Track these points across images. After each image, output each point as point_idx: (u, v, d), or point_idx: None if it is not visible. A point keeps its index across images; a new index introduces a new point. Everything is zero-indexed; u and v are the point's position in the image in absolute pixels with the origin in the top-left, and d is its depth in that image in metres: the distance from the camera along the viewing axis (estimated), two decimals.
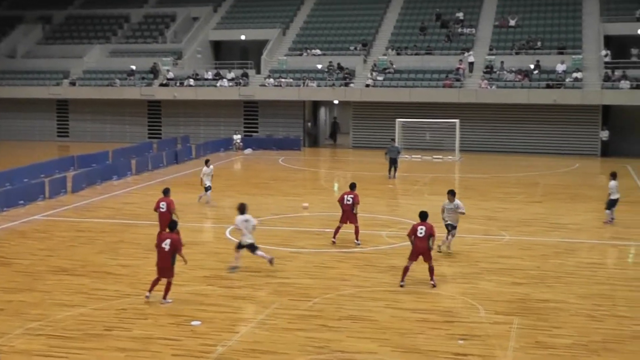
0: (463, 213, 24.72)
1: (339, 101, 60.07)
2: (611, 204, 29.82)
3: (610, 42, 57.42)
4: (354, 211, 25.92)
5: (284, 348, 16.35)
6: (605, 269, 23.66)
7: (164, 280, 19.28)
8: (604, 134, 53.23)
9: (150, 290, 19.49)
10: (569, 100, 52.38)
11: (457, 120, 50.79)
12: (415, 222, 21.47)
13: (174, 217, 23.08)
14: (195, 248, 25.39)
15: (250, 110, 60.86)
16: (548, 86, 53.22)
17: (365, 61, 59.96)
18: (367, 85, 56.34)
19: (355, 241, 26.01)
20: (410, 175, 42.84)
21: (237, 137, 57.27)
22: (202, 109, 60.99)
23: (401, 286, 20.86)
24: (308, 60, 60.74)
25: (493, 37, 60.26)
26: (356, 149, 56.48)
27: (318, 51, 61.50)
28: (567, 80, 53.49)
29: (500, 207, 33.41)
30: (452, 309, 19.18)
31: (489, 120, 55.00)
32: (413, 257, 21.05)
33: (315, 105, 61.48)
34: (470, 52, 57.59)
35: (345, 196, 26.04)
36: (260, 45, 63.77)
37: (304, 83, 57.46)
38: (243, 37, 65.68)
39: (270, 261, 22.37)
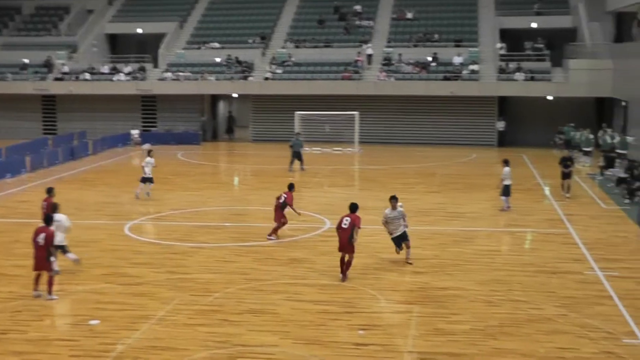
0: (406, 226, 22.80)
1: (238, 94, 59.75)
2: (506, 191, 30.45)
3: (505, 35, 58.51)
4: (283, 210, 26.07)
5: (185, 344, 16.18)
6: (502, 255, 24.13)
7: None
8: (501, 125, 54.29)
9: (35, 288, 19.11)
10: (466, 92, 53.22)
11: (356, 113, 51.12)
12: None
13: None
14: (92, 246, 24.94)
15: (148, 105, 60.05)
16: (445, 78, 53.96)
17: (264, 54, 59.78)
18: (266, 79, 56.19)
19: (268, 236, 25.89)
20: (310, 167, 42.89)
21: (135, 132, 56.45)
22: (99, 103, 59.88)
23: (342, 280, 20.73)
24: (206, 54, 60.22)
25: (391, 29, 60.76)
26: (256, 143, 56.37)
27: (216, 44, 61.04)
28: (464, 72, 54.32)
29: (399, 198, 33.61)
30: (352, 300, 19.28)
31: (387, 112, 55.47)
32: (339, 248, 20.96)
33: (214, 99, 61.04)
34: (369, 45, 57.95)
35: (282, 195, 26.12)
36: (157, 38, 62.95)
37: (202, 77, 56.96)
38: (140, 31, 64.74)
39: (75, 261, 21.74)
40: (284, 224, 26.15)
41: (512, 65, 54.19)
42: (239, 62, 58.31)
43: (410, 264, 22.38)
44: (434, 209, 31.01)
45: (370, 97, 54.50)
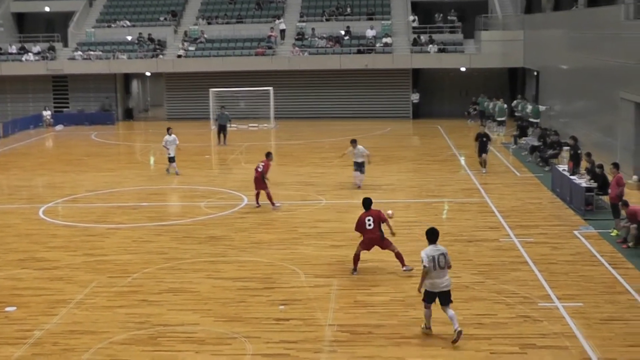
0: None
1: (152, 73, 58.95)
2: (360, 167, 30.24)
3: (417, 8, 58.89)
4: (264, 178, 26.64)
5: (105, 326, 16.00)
6: (420, 226, 24.25)
7: None
8: (415, 97, 54.73)
9: None
10: (380, 65, 53.44)
11: (270, 88, 50.96)
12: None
13: None
14: (6, 231, 24.46)
15: (60, 85, 58.79)
16: (359, 52, 54.08)
17: (176, 32, 59.09)
18: (179, 56, 55.55)
19: (273, 207, 26.62)
20: (226, 144, 42.67)
21: (47, 113, 55.31)
22: (8, 84, 58.36)
23: (354, 273, 19.31)
24: (117, 32, 59.22)
25: (303, 4, 60.61)
26: (171, 121, 55.59)
27: (127, 22, 60.09)
28: (377, 45, 54.53)
29: (316, 172, 33.81)
30: (272, 276, 19.28)
31: (302, 87, 55.45)
32: (364, 246, 19.34)
33: (127, 78, 60.13)
34: (281, 20, 57.74)
35: (260, 164, 26.82)
36: (66, 17, 61.66)
37: (114, 56, 56.03)
38: (47, 9, 63.31)
39: None
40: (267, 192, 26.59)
41: (425, 37, 54.59)
42: (150, 40, 57.52)
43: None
44: (349, 182, 31.12)
45: (285, 73, 54.36)
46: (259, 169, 26.77)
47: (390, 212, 19.70)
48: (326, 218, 25.43)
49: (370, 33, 55.49)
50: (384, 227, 19.32)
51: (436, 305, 15.17)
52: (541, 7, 49.18)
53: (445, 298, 15.04)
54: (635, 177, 28.72)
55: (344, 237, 22.73)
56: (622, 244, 21.40)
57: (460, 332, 14.61)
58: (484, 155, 32.81)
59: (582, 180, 25.95)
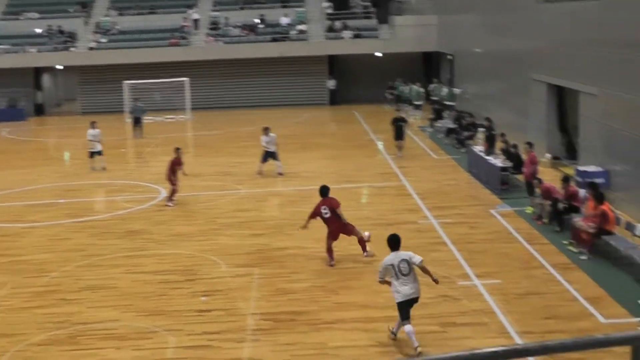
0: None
1: (63, 66, 57.87)
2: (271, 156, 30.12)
3: None
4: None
5: (23, 328, 15.68)
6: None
7: None
8: (331, 83, 54.88)
9: None
10: (295, 52, 53.42)
11: (186, 79, 50.54)
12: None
13: None
14: None
15: None
16: (274, 40, 53.99)
17: (86, 23, 58.09)
18: (91, 49, 54.70)
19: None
20: (142, 137, 42.21)
21: None
22: None
23: (331, 265, 18.83)
24: (25, 25, 57.91)
25: None
26: (86, 115, 54.66)
27: (35, 14, 58.76)
28: (292, 33, 54.51)
29: (234, 162, 33.65)
30: (193, 267, 19.16)
31: (218, 76, 55.10)
32: (332, 236, 19.01)
33: (38, 72, 58.87)
34: (195, 10, 57.29)
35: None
36: None
37: (23, 49, 54.79)
38: None
39: None
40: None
41: (339, 23, 54.74)
42: (61, 32, 56.44)
43: None
44: (269, 170, 31.02)
45: (200, 63, 53.96)
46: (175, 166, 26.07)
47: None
48: (245, 207, 25.36)
49: (284, 20, 55.42)
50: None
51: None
52: None
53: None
54: (548, 155, 29.29)
55: (263, 226, 22.72)
56: (538, 221, 21.83)
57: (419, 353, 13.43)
58: (400, 140, 32.98)
59: (497, 160, 26.37)
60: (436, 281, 14.52)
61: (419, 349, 13.48)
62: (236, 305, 16.43)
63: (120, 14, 58.19)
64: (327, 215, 18.96)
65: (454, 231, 21.33)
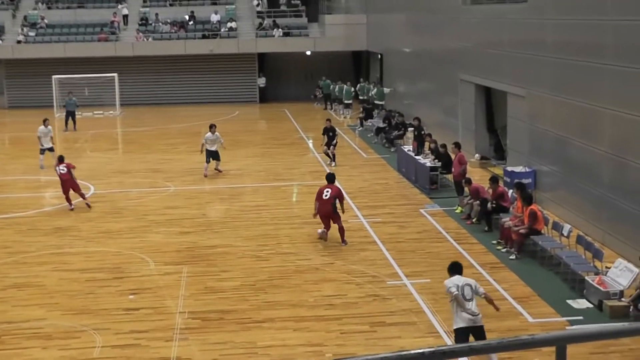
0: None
1: None
2: (211, 156, 29.52)
3: None
4: None
5: None
6: (269, 209, 24.40)
7: None
8: (261, 81, 54.74)
9: None
10: (225, 50, 53.17)
11: (115, 75, 49.90)
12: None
13: None
14: None
15: None
16: (204, 36, 53.67)
17: (14, 16, 57.01)
18: (19, 42, 53.68)
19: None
20: (71, 133, 41.61)
21: None
22: None
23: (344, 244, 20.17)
24: None
25: None
26: (12, 109, 53.76)
27: None
28: (223, 30, 54.24)
29: (164, 159, 33.38)
30: (121, 265, 18.96)
31: (148, 73, 54.51)
32: (321, 217, 20.32)
33: None
34: (124, 5, 56.63)
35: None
36: None
37: None
38: None
39: None
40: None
41: (269, 21, 54.66)
42: None
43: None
44: (199, 167, 30.83)
45: (129, 59, 53.31)
46: (62, 171, 24.51)
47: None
48: (175, 205, 25.17)
49: (214, 18, 55.13)
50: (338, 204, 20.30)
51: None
52: None
53: (479, 334, 12.69)
54: (477, 156, 29.66)
55: (193, 224, 22.58)
56: (466, 220, 22.11)
57: None
58: (331, 148, 31.44)
59: (427, 160, 26.61)
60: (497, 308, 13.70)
61: None
62: (164, 303, 16.31)
63: (49, 8, 57.22)
64: (327, 197, 20.17)
65: (384, 230, 21.47)
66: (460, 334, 12.67)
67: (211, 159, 29.24)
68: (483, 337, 12.46)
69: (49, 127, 32.48)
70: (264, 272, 18.16)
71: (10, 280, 18.07)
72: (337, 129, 33.91)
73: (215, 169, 29.55)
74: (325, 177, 21.60)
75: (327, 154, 31.42)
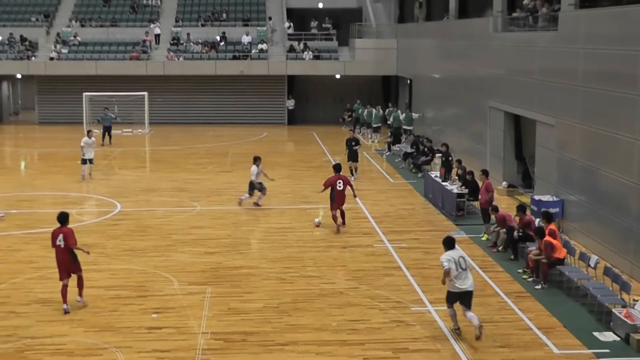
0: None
1: (22, 75, 57.26)
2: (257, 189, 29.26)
3: (292, 14, 59.14)
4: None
5: None
6: (294, 232, 24.38)
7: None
8: (290, 103, 54.88)
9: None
10: (256, 71, 53.39)
11: (145, 93, 50.20)
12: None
13: None
14: None
15: None
16: (235, 57, 53.93)
17: (48, 33, 57.59)
18: (52, 59, 54.20)
19: None
20: (99, 150, 41.82)
21: None
22: None
23: (337, 231, 24.05)
24: None
25: (178, 8, 60.06)
26: (43, 125, 54.23)
27: None
28: (253, 51, 54.49)
29: (191, 178, 33.45)
30: (145, 283, 18.98)
31: (178, 92, 54.82)
32: (337, 205, 24.35)
33: None
34: (157, 24, 57.06)
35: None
36: None
37: None
38: None
39: None
40: None
41: (300, 44, 54.86)
42: (22, 40, 55.88)
43: None
44: (226, 188, 30.97)
45: (160, 78, 53.68)
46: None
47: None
48: (200, 224, 25.19)
49: (245, 39, 55.39)
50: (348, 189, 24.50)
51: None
52: (414, 17, 50.10)
53: (466, 300, 15.46)
54: (504, 183, 29.52)
55: (217, 244, 22.60)
56: (492, 248, 21.97)
57: (481, 326, 15.08)
58: (354, 162, 33.11)
59: (454, 187, 26.50)
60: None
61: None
62: (187, 323, 16.29)
63: (82, 25, 57.76)
64: (340, 188, 24.24)
65: (409, 256, 21.38)
66: (450, 297, 15.63)
67: (255, 191, 27.91)
68: (469, 301, 15.44)
69: (93, 138, 33.47)
70: (287, 294, 18.11)
71: (35, 296, 18.13)
72: (360, 140, 34.45)
73: (255, 203, 27.94)
74: (332, 167, 25.39)
75: (350, 169, 32.59)
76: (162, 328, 16.04)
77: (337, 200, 24.19)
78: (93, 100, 49.11)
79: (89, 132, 34.10)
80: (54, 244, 17.30)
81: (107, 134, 43.74)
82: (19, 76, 58.25)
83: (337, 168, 25.03)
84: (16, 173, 36.95)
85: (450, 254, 15.60)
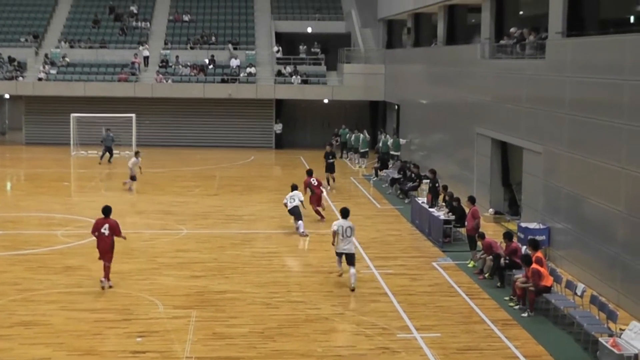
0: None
1: (10, 95, 57.11)
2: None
3: (281, 38, 59.30)
4: None
5: None
6: (280, 257, 24.32)
7: None
8: (278, 127, 54.88)
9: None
10: (244, 95, 53.40)
11: (133, 115, 50.07)
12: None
13: None
14: None
15: None
16: (223, 81, 53.94)
17: (37, 54, 57.54)
18: (40, 79, 54.11)
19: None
20: (86, 171, 41.73)
21: None
22: None
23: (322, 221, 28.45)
24: None
25: (168, 31, 60.11)
26: (30, 146, 54.04)
27: None
28: (242, 75, 54.54)
29: (177, 201, 33.35)
30: (130, 307, 18.85)
31: (166, 114, 54.74)
32: (316, 201, 29.46)
33: None
34: (145, 46, 57.07)
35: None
36: None
37: None
38: None
39: None
40: None
41: (288, 68, 54.95)
42: (10, 61, 55.78)
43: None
44: (212, 211, 30.89)
45: (148, 100, 53.61)
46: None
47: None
48: (186, 248, 25.10)
49: (234, 62, 55.45)
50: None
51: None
52: (402, 42, 50.26)
53: (349, 259, 20.37)
54: (491, 210, 29.53)
55: (203, 267, 22.50)
56: (479, 275, 21.94)
57: (353, 290, 20.03)
58: (330, 173, 37.20)
59: (441, 213, 26.49)
60: None
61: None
62: (172, 347, 16.18)
63: (71, 46, 57.67)
64: (315, 184, 29.46)
65: (395, 282, 21.32)
66: (338, 256, 20.83)
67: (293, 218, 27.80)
68: (352, 260, 20.42)
69: (139, 158, 36.29)
70: (273, 319, 18.02)
71: (18, 318, 17.98)
72: (335, 154, 38.78)
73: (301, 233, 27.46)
74: (306, 172, 30.68)
75: (327, 179, 36.67)
76: (146, 352, 15.92)
77: (315, 193, 29.41)
78: (81, 122, 48.99)
79: (136, 153, 37.05)
80: (96, 232, 20.37)
81: (108, 153, 45.12)
82: (7, 96, 58.07)
83: (309, 173, 30.36)
84: (2, 193, 36.75)
85: (341, 222, 20.58)
